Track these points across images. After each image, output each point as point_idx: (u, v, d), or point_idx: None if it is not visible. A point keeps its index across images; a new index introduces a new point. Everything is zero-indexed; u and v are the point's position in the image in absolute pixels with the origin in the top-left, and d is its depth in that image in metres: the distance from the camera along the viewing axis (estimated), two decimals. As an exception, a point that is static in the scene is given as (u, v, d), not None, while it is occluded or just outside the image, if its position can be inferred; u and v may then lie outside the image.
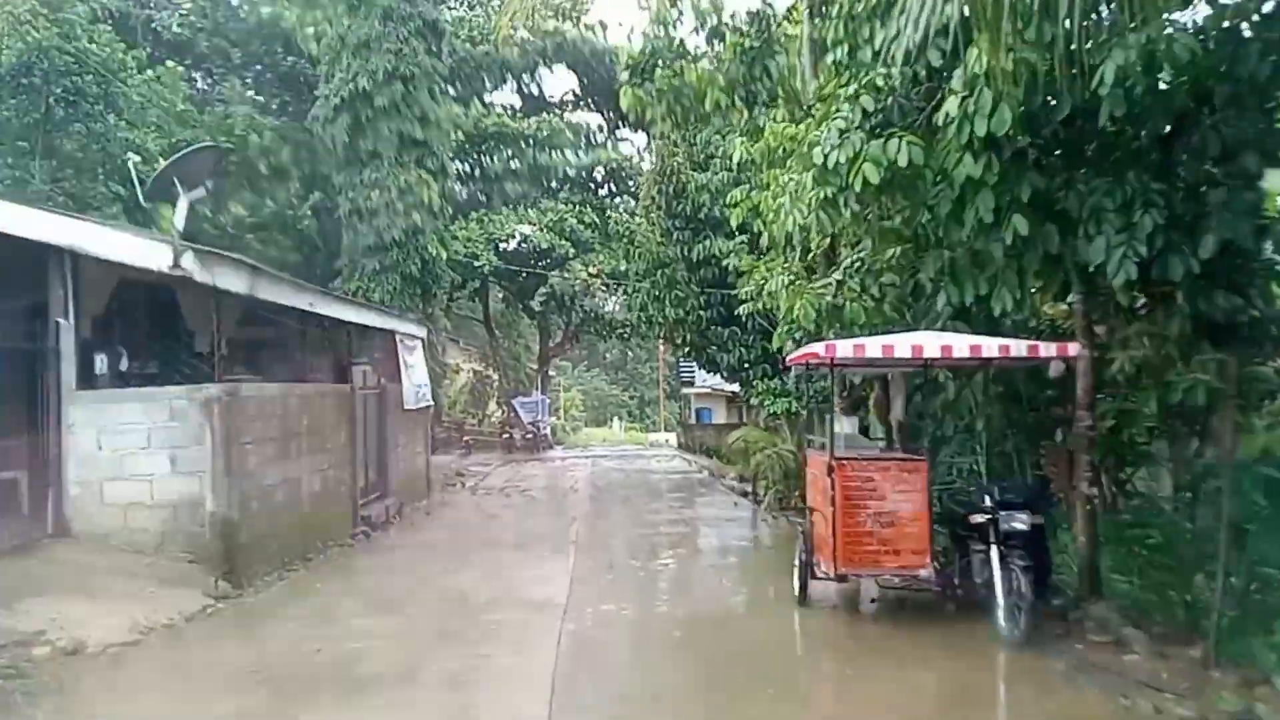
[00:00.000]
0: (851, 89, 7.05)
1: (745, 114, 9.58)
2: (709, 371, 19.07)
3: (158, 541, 8.40)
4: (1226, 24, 6.18)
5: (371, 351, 14.52)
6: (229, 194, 21.91)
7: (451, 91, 27.71)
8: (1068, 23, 5.24)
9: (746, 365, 16.49)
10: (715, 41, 9.71)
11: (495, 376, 35.78)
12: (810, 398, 14.65)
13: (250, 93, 24.85)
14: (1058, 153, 7.20)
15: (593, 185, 32.24)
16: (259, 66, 25.69)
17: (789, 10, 10.04)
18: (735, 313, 14.88)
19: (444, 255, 20.84)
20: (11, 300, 8.77)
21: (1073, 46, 5.98)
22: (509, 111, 31.47)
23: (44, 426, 8.47)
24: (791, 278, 8.96)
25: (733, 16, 9.95)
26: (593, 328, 35.48)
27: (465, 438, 28.46)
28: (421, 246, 19.83)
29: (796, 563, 7.49)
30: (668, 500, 16.27)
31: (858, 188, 6.74)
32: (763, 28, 9.24)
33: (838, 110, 7.18)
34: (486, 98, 31.53)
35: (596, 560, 9.93)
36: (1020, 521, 6.39)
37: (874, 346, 6.54)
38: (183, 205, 8.03)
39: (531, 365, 37.44)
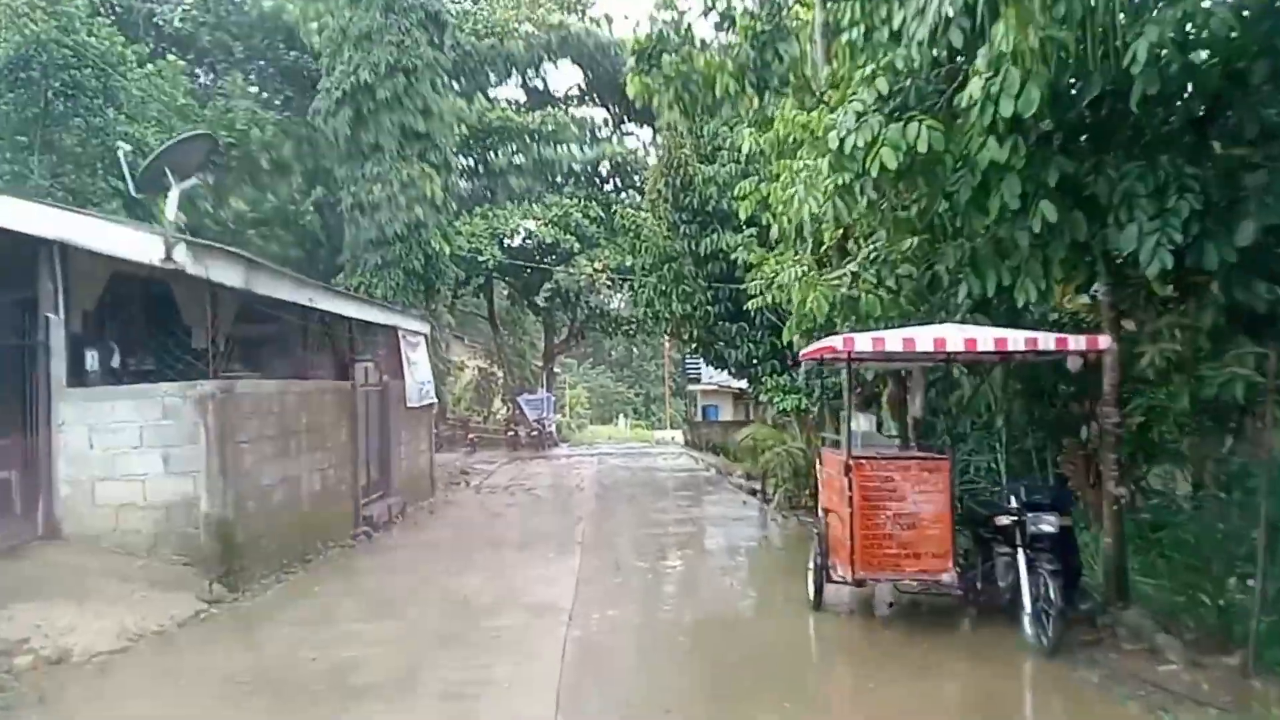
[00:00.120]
0: (868, 70, 6.74)
1: (756, 101, 9.27)
2: (716, 368, 18.76)
3: (150, 543, 8.15)
4: (1266, -4, 5.85)
5: (374, 348, 14.26)
6: (230, 189, 21.70)
7: (456, 86, 27.45)
8: (1098, -4, 4.91)
9: (755, 361, 16.16)
10: (726, 26, 9.40)
11: (500, 374, 35.53)
12: (821, 394, 14.34)
13: (254, 89, 24.65)
14: (1084, 136, 6.88)
15: (598, 180, 31.95)
16: (261, 61, 25.43)
17: (800, -8, 9.76)
18: (743, 308, 14.54)
19: (447, 250, 20.56)
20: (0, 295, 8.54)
21: (1102, 23, 5.71)
22: (513, 106, 31.19)
23: (34, 425, 8.24)
24: (804, 270, 8.64)
25: (743, -1, 9.70)
26: (598, 324, 35.21)
27: (470, 435, 28.23)
28: (424, 241, 19.55)
29: (811, 565, 7.19)
30: (675, 499, 15.98)
31: (875, 173, 6.43)
32: (774, 11, 8.92)
33: (854, 93, 6.87)
34: (491, 93, 31.29)
35: (603, 561, 9.65)
36: (1048, 523, 6.08)
37: (894, 340, 6.23)
38: (174, 195, 7.77)
39: (537, 362, 37.19)
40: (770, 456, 13.60)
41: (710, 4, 9.40)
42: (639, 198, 26.67)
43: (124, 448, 8.21)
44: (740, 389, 29.21)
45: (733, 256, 15.22)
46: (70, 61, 17.11)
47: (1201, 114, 6.46)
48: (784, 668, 6.00)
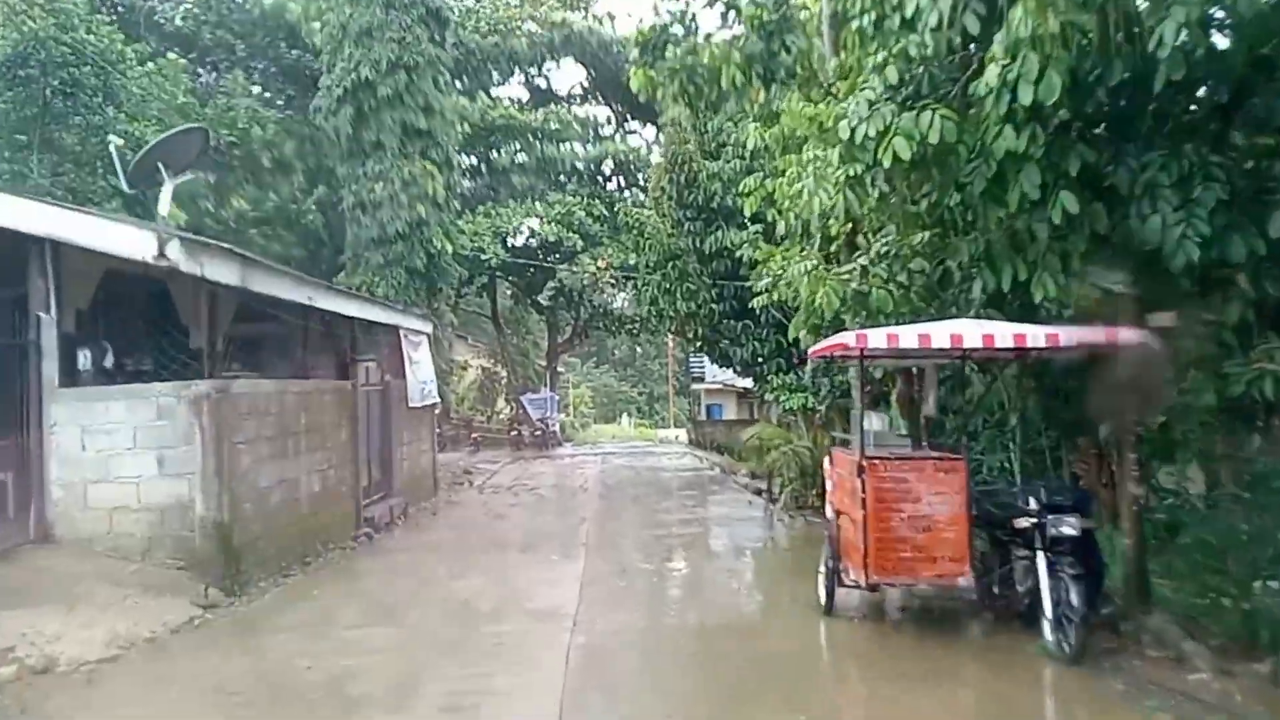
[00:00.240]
0: (879, 58, 6.52)
1: (763, 93, 9.03)
2: (721, 366, 18.55)
3: (145, 547, 7.97)
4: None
5: (376, 348, 14.08)
6: (232, 188, 21.54)
7: (459, 85, 27.26)
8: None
9: (760, 360, 15.95)
10: (731, 15, 9.18)
11: (503, 373, 35.36)
12: (828, 393, 14.13)
13: (257, 89, 24.48)
14: (1104, 126, 6.66)
15: (601, 179, 31.74)
16: (263, 60, 25.27)
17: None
18: (749, 306, 14.35)
19: (450, 249, 20.35)
20: (-10, 293, 8.36)
21: (1126, 5, 5.50)
22: (516, 105, 31.00)
23: (25, 426, 8.05)
24: (813, 264, 8.42)
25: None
26: (601, 323, 35.03)
27: (473, 435, 28.06)
28: (426, 240, 19.35)
29: (822, 569, 6.97)
30: (680, 499, 15.77)
31: (887, 164, 6.22)
32: (780, 1, 8.70)
33: (865, 82, 6.65)
34: (494, 91, 31.10)
35: (607, 564, 9.44)
36: (1070, 526, 5.86)
37: (909, 336, 6.01)
38: (168, 190, 7.59)
39: (540, 362, 37.01)
40: (776, 456, 13.39)
41: (715, -9, 9.17)
42: (642, 196, 26.47)
43: (117, 449, 8.03)
44: (745, 388, 28.99)
45: (738, 254, 15.03)
46: (69, 59, 16.93)
47: (1225, 101, 6.24)
48: (795, 675, 5.79)
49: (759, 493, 15.11)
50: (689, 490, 17.11)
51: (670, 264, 16.12)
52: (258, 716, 5.11)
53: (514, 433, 29.35)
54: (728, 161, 14.96)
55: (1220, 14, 5.78)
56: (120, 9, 23.06)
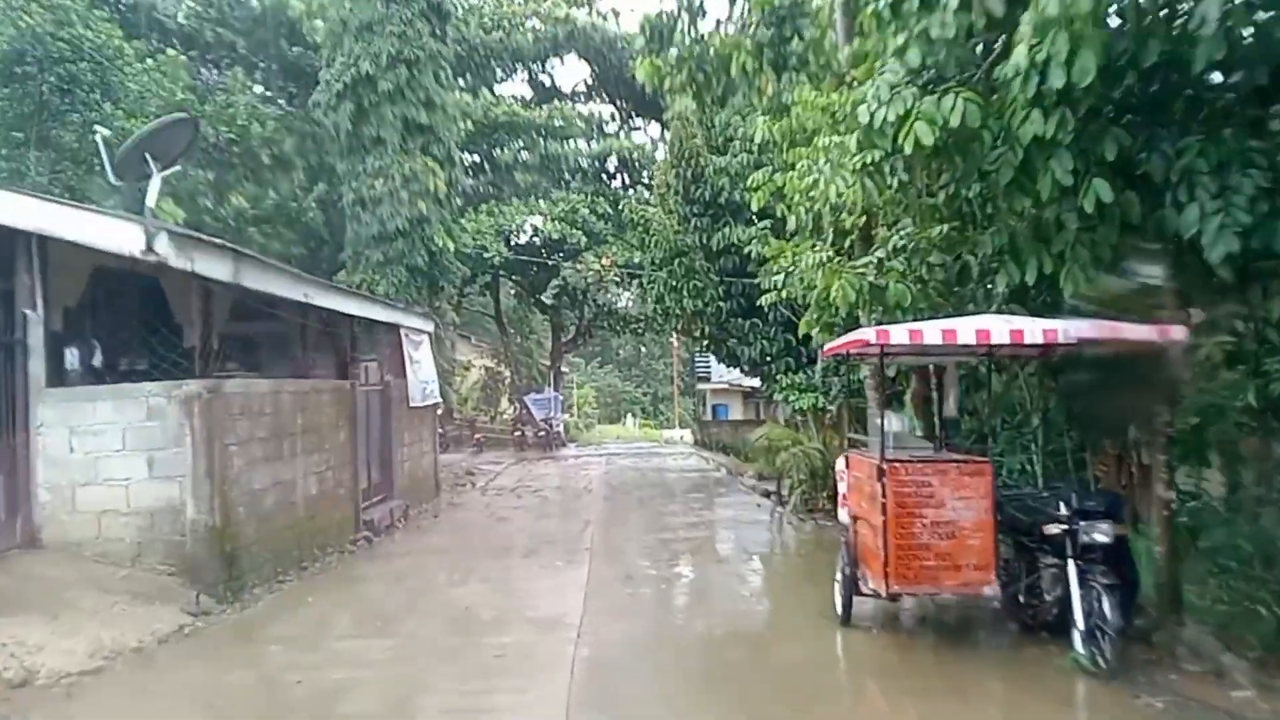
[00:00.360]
0: (900, 40, 6.20)
1: (773, 81, 8.72)
2: (729, 365, 18.22)
3: (134, 552, 7.70)
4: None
5: (376, 347, 13.80)
6: (231, 185, 21.31)
7: (462, 83, 26.99)
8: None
9: (768, 358, 15.64)
10: (740, 2, 8.88)
11: (507, 373, 35.08)
12: (838, 392, 13.82)
13: (259, 88, 24.25)
14: (1136, 110, 6.33)
15: (605, 176, 31.44)
16: (264, 57, 25.03)
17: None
18: (757, 303, 14.04)
19: (451, 246, 20.07)
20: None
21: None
22: (520, 102, 30.73)
23: (11, 427, 7.77)
24: (828, 256, 8.10)
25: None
26: (606, 322, 34.73)
27: (476, 435, 27.79)
28: (428, 237, 19.06)
29: (839, 577, 6.66)
30: (686, 501, 15.46)
31: (908, 150, 5.90)
32: (792, -14, 8.41)
33: (884, 65, 6.34)
34: (497, 89, 30.85)
35: (613, 569, 9.13)
36: (1102, 533, 5.55)
37: (933, 332, 5.69)
38: (156, 183, 7.30)
39: (544, 362, 36.71)
40: (786, 457, 13.06)
41: (725, -23, 8.86)
42: (648, 194, 26.17)
43: (106, 451, 7.75)
44: (751, 387, 28.70)
45: (745, 250, 14.72)
46: (66, 55, 16.73)
47: (1265, 83, 5.91)
48: (812, 690, 5.48)
49: (767, 495, 14.79)
50: (695, 492, 16.80)
51: (676, 261, 15.82)
52: (243, 735, 4.82)
53: (517, 433, 29.07)
54: (735, 156, 14.64)
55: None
56: (122, 7, 22.83)
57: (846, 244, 9.57)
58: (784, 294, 12.17)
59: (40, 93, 16.55)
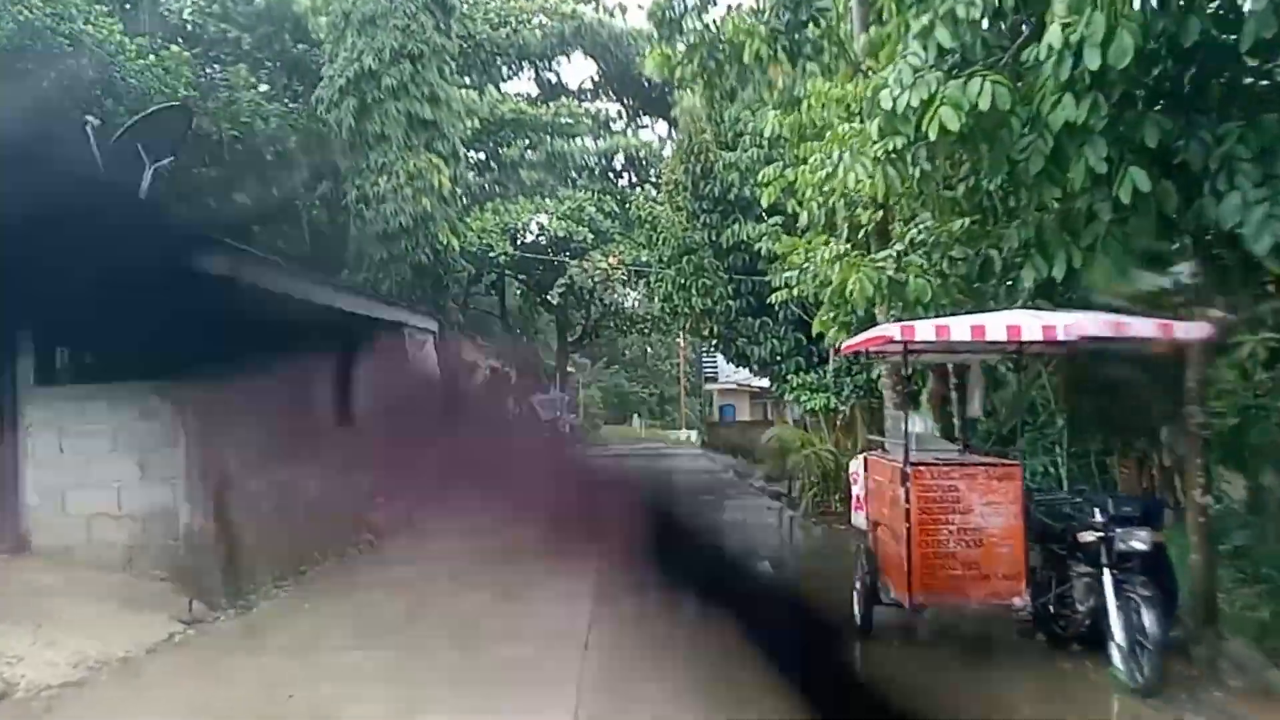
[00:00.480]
0: (924, 21, 5.89)
1: (788, 70, 8.42)
2: (738, 365, 17.93)
3: (126, 557, 7.46)
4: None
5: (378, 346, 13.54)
6: (234, 183, 21.08)
7: (468, 81, 26.72)
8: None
9: (779, 358, 15.32)
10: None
11: (513, 373, 34.81)
12: (851, 392, 13.50)
13: (264, 87, 24.04)
14: (1170, 94, 6.02)
15: (611, 174, 31.16)
16: (268, 54, 24.82)
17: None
18: (767, 302, 13.74)
19: (456, 245, 19.79)
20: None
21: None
22: (525, 99, 30.49)
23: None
24: (845, 249, 7.79)
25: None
26: (613, 322, 34.45)
27: (482, 436, 27.52)
28: (432, 235, 18.78)
29: (858, 586, 6.35)
30: (695, 503, 15.13)
31: (933, 136, 5.59)
32: (806, -29, 8.12)
33: (906, 48, 6.04)
34: (503, 87, 30.61)
35: (623, 575, 8.81)
36: (1140, 540, 5.23)
37: (961, 327, 5.39)
38: (148, 174, 7.04)
39: (550, 362, 36.44)
40: (798, 459, 12.76)
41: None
42: (655, 192, 25.88)
43: (97, 452, 7.51)
44: (760, 388, 28.37)
45: (756, 247, 14.42)
46: (66, 51, 16.52)
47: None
48: (833, 707, 5.17)
49: (777, 497, 14.50)
50: (705, 494, 16.48)
51: (685, 258, 15.50)
52: (230, 755, 4.54)
53: (523, 434, 28.78)
54: (745, 150, 14.33)
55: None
56: (126, 5, 22.66)
57: (861, 237, 9.25)
58: (795, 292, 11.88)
59: (41, 89, 16.34)
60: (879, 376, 11.80)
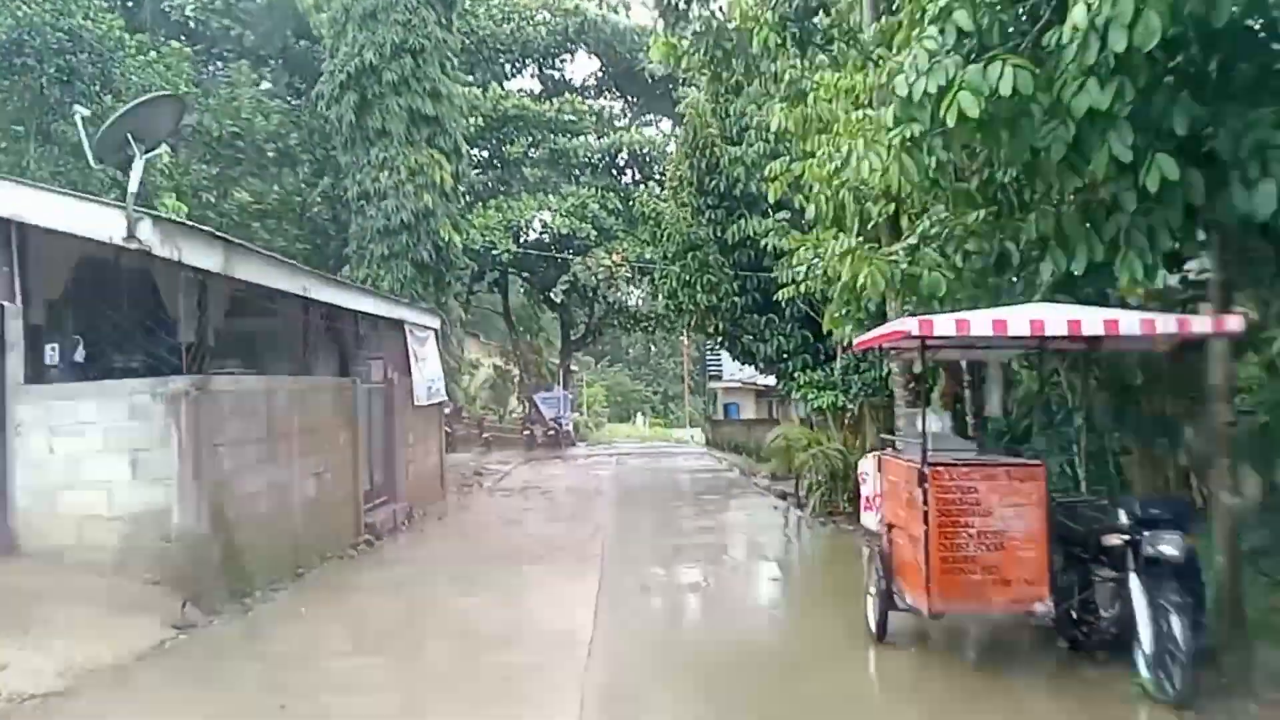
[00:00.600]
0: (941, 2, 5.66)
1: (797, 58, 8.18)
2: (743, 363, 17.71)
3: (117, 559, 7.22)
4: None
5: (379, 344, 13.35)
6: (235, 180, 20.93)
7: (471, 78, 26.53)
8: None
9: (785, 355, 15.12)
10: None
11: (516, 372, 34.65)
12: (859, 390, 13.27)
13: (266, 84, 23.88)
14: (1193, 80, 5.78)
15: (615, 171, 30.96)
16: (270, 51, 24.65)
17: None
18: (773, 298, 13.54)
19: (458, 240, 19.59)
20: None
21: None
22: (529, 96, 30.30)
23: (-12, 427, 7.34)
24: (855, 243, 7.56)
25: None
26: (616, 320, 34.26)
27: (485, 435, 27.36)
28: (433, 231, 18.59)
29: (872, 591, 6.12)
30: (701, 504, 14.93)
31: (951, 122, 5.36)
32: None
33: (923, 32, 5.80)
34: (507, 84, 30.41)
35: (626, 579, 8.62)
36: (1170, 545, 4.99)
37: (982, 322, 5.16)
38: (139, 166, 6.84)
39: (553, 360, 36.26)
40: (805, 458, 12.52)
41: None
42: (659, 190, 25.71)
43: (88, 452, 7.29)
44: (765, 386, 28.16)
45: (762, 243, 14.21)
46: (65, 46, 16.37)
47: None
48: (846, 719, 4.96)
49: (783, 496, 14.27)
50: (710, 494, 16.27)
51: (690, 255, 15.29)
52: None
53: (526, 432, 28.63)
54: (751, 145, 14.10)
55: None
56: (129, 2, 22.51)
57: (871, 231, 9.02)
58: (802, 288, 11.66)
59: (40, 85, 16.18)
60: (888, 374, 11.58)
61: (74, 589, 6.87)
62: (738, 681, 5.61)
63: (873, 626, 6.07)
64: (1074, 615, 5.66)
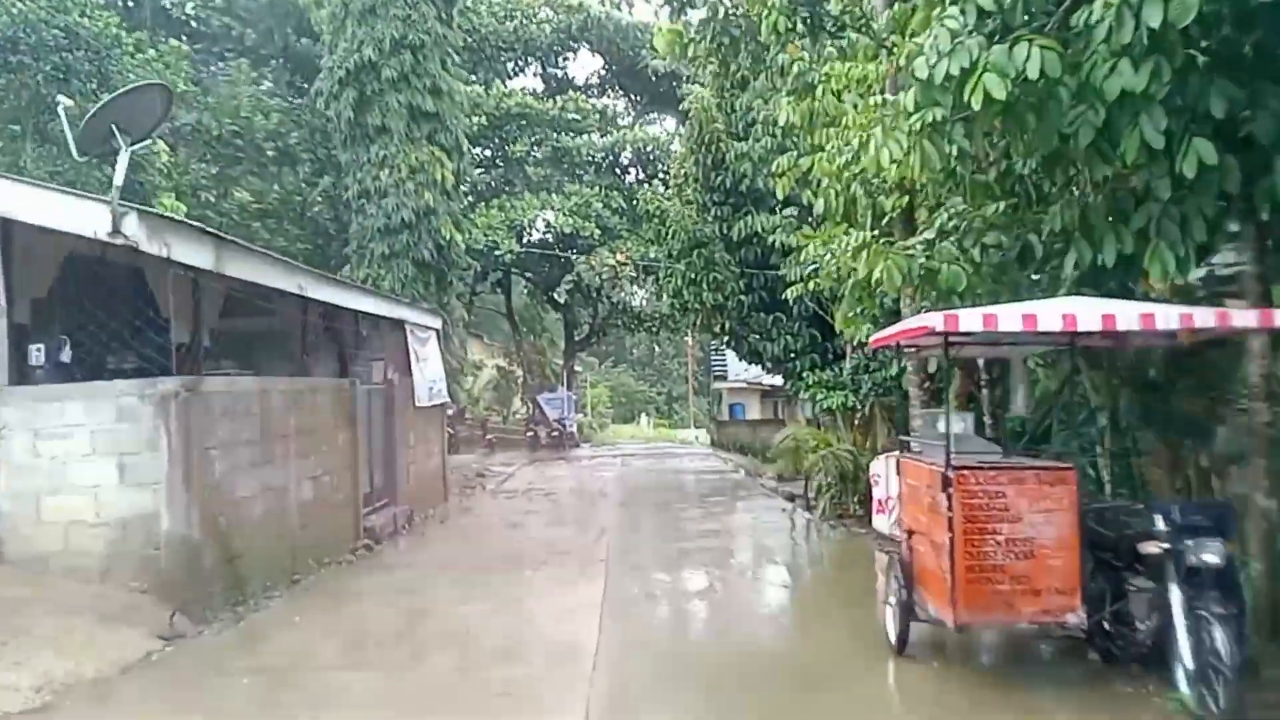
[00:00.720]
0: (963, -21, 5.37)
1: (805, 47, 7.89)
2: (750, 363, 17.42)
3: (104, 566, 6.96)
4: None
5: (380, 344, 13.09)
6: (235, 180, 20.71)
7: (474, 77, 26.28)
8: None
9: (793, 355, 14.83)
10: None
11: (520, 372, 34.39)
12: (869, 390, 12.97)
13: (268, 84, 23.67)
14: (1228, 61, 5.48)
15: (618, 170, 30.70)
16: (271, 50, 24.44)
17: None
18: (781, 297, 13.27)
19: (460, 239, 19.32)
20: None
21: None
22: (532, 94, 30.05)
23: (-29, 430, 7.08)
24: (871, 237, 7.27)
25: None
26: (620, 320, 34.01)
27: (488, 436, 27.10)
28: (435, 229, 18.32)
29: (891, 600, 5.83)
30: (708, 506, 14.63)
31: (976, 106, 5.07)
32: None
33: (944, 12, 5.51)
34: (510, 83, 30.18)
35: (631, 586, 8.33)
36: (1213, 553, 4.70)
37: (1010, 317, 4.87)
38: (124, 158, 6.58)
39: (557, 361, 36.00)
40: (815, 460, 12.23)
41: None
42: (663, 188, 25.43)
43: (73, 455, 7.03)
44: (771, 386, 27.87)
45: (769, 240, 13.93)
46: (61, 44, 16.20)
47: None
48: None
49: (791, 498, 13.98)
50: (716, 496, 15.97)
51: (695, 252, 14.99)
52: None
53: (530, 433, 28.36)
54: (758, 140, 13.79)
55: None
56: (130, 1, 22.31)
57: (884, 223, 8.74)
58: (811, 286, 11.37)
59: (36, 83, 15.97)
60: (900, 373, 11.28)
61: (58, 598, 6.61)
62: (752, 698, 5.30)
63: (892, 638, 5.77)
64: (1107, 627, 5.36)
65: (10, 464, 7.06)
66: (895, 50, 8.00)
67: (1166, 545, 4.79)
